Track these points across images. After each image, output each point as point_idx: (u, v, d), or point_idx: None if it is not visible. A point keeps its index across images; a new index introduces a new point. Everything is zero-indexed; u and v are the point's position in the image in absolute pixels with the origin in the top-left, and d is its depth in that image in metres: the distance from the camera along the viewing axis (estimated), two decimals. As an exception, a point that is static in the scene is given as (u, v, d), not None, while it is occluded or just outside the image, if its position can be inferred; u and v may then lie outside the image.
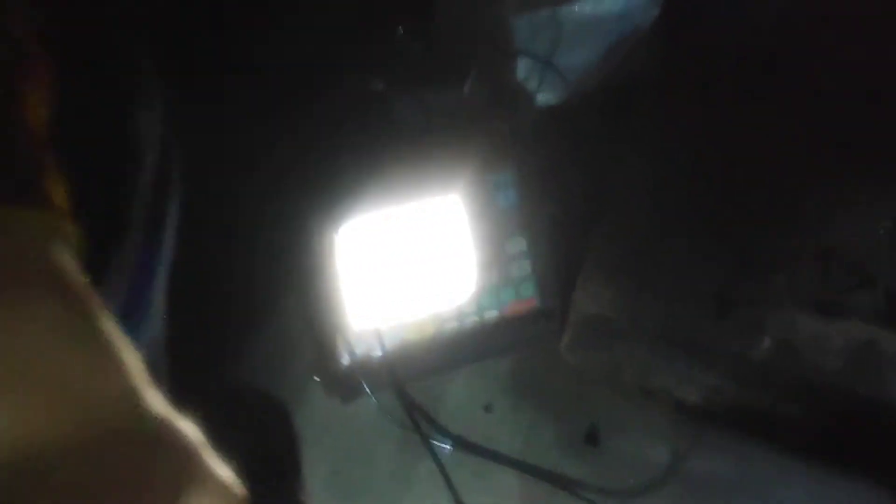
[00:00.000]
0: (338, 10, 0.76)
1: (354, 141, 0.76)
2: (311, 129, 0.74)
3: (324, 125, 0.75)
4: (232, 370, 0.78)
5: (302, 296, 0.78)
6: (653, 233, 0.79)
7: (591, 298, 0.80)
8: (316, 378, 0.79)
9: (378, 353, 0.80)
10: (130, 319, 0.35)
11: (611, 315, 0.79)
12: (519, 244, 0.84)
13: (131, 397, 0.19)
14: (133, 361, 0.20)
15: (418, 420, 0.79)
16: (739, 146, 0.84)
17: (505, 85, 0.89)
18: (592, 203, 0.84)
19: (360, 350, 0.80)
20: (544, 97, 0.92)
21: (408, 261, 0.81)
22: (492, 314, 0.85)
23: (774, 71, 0.83)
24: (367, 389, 0.80)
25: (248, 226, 0.74)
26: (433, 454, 0.77)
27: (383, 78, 0.78)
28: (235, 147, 0.70)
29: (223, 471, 0.22)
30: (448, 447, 0.84)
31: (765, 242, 0.81)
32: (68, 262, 0.20)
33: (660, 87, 0.88)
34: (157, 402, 0.20)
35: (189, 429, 0.21)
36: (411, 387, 0.83)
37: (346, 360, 0.80)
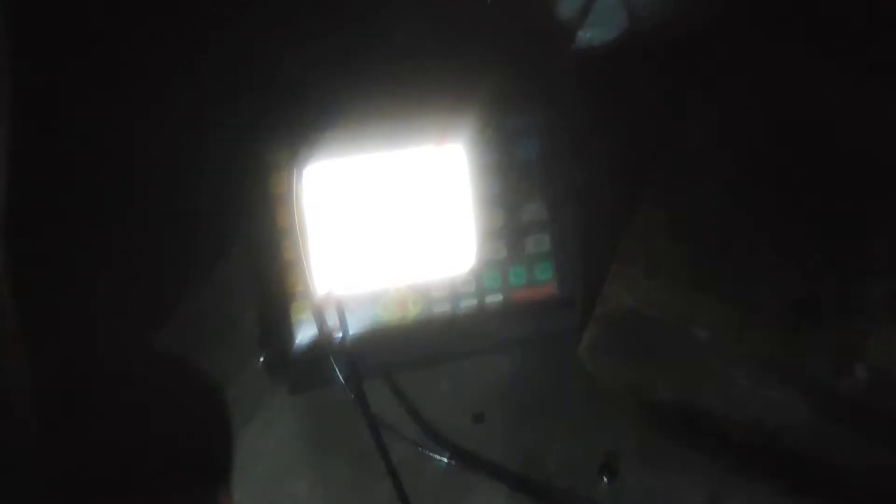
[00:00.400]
0: None
1: (330, 50, 0.57)
2: (270, 19, 0.55)
3: (289, 18, 0.56)
4: (156, 336, 0.60)
5: (250, 249, 0.60)
6: (719, 215, 0.59)
7: (627, 289, 0.60)
8: (260, 359, 0.61)
9: (340, 333, 0.62)
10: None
11: (652, 313, 0.59)
12: (537, 212, 0.65)
13: None
14: None
15: (379, 427, 0.60)
16: (845, 117, 0.63)
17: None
18: (640, 169, 0.64)
19: (317, 327, 0.62)
20: (594, 32, 0.71)
21: (390, 220, 0.62)
22: (495, 299, 0.65)
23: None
24: (321, 380, 0.62)
25: (179, 151, 0.56)
26: (393, 471, 0.59)
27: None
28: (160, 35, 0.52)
29: None
30: (445, 459, 0.65)
31: (866, 240, 0.61)
32: None
33: (747, 33, 0.67)
34: None
35: None
36: (380, 384, 0.65)
37: (298, 338, 0.62)
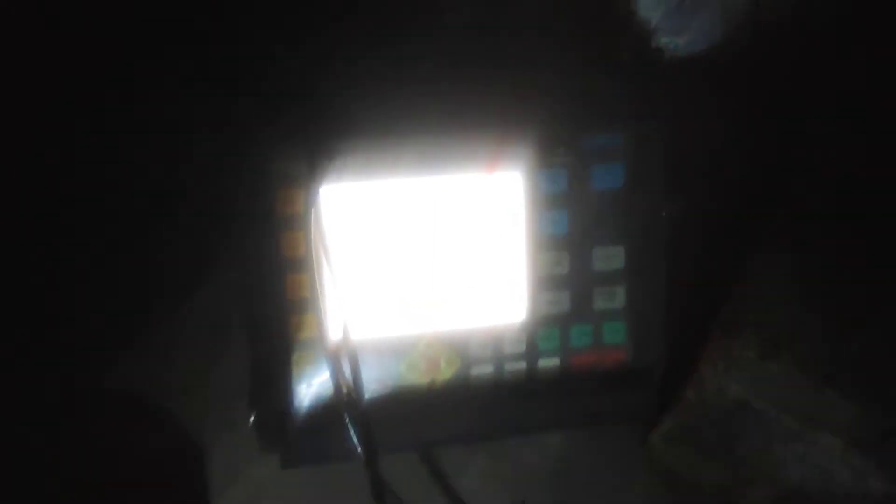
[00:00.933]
0: None
1: (358, 42, 0.45)
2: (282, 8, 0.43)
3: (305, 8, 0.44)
4: (131, 380, 0.49)
5: (246, 282, 0.48)
6: (868, 284, 0.44)
7: (733, 372, 0.46)
8: (250, 418, 0.49)
9: (354, 395, 0.49)
10: None
11: (765, 408, 0.45)
12: (612, 257, 0.51)
13: None
14: None
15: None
16: None
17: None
18: (757, 208, 0.49)
19: (325, 385, 0.49)
20: (691, 34, 0.57)
21: (424, 258, 0.49)
22: (550, 363, 0.52)
23: None
24: (323, 453, 0.49)
25: (162, 159, 0.44)
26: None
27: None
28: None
29: None
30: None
31: None
32: None
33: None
34: None
35: None
36: (400, 460, 0.52)
37: (298, 397, 0.49)
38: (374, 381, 0.50)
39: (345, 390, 0.50)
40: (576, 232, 0.50)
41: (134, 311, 0.46)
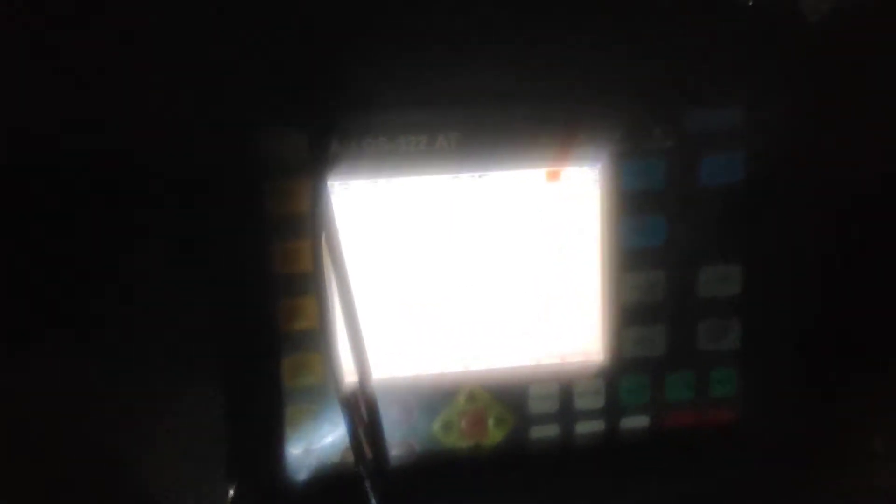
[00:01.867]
0: None
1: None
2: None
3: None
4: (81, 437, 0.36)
5: (231, 305, 0.35)
6: None
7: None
8: (229, 495, 0.36)
9: (375, 463, 0.36)
10: None
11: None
12: (727, 280, 0.37)
13: None
14: None
15: None
16: None
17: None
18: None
19: (329, 450, 0.36)
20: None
21: (466, 281, 0.36)
22: (636, 423, 0.38)
23: None
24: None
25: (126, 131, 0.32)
26: None
27: None
28: None
29: None
30: None
31: None
32: None
33: None
34: None
35: None
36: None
37: (294, 467, 0.37)
38: (396, 445, 0.37)
39: (360, 455, 0.37)
40: (676, 245, 0.37)
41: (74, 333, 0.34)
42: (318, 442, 0.37)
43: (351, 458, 0.36)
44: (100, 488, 0.34)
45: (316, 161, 0.34)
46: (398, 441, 0.37)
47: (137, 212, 0.33)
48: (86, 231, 0.32)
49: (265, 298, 0.35)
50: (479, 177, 0.35)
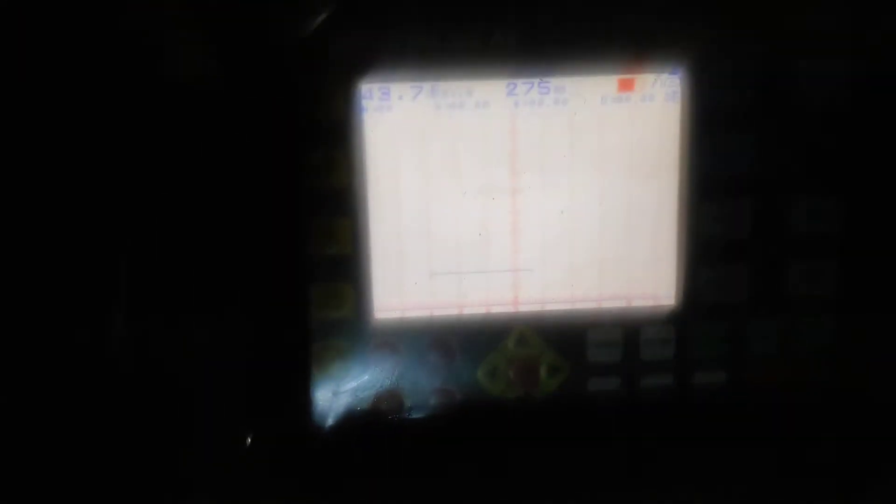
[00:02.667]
0: None
1: None
2: None
3: None
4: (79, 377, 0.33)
5: (255, 223, 0.31)
6: None
7: None
8: (247, 441, 0.32)
9: (402, 409, 0.32)
10: None
11: None
12: (825, 214, 0.32)
13: None
14: None
15: None
16: None
17: None
18: None
19: (364, 390, 0.32)
20: None
21: (516, 206, 0.32)
22: (712, 379, 0.33)
23: None
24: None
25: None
26: None
27: None
28: None
29: None
30: None
31: None
32: None
33: None
34: None
35: None
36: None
37: (320, 412, 0.32)
38: (435, 392, 0.33)
39: (393, 402, 0.32)
40: (766, 170, 0.31)
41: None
42: (346, 385, 0.32)
43: (383, 405, 0.32)
44: (108, 424, 0.31)
45: (349, 59, 0.30)
46: (437, 388, 0.32)
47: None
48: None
49: (292, 218, 0.31)
50: (540, 83, 0.31)
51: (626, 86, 0.31)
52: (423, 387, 0.32)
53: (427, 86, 0.31)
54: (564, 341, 0.32)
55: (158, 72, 0.29)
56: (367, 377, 0.32)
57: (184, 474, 0.31)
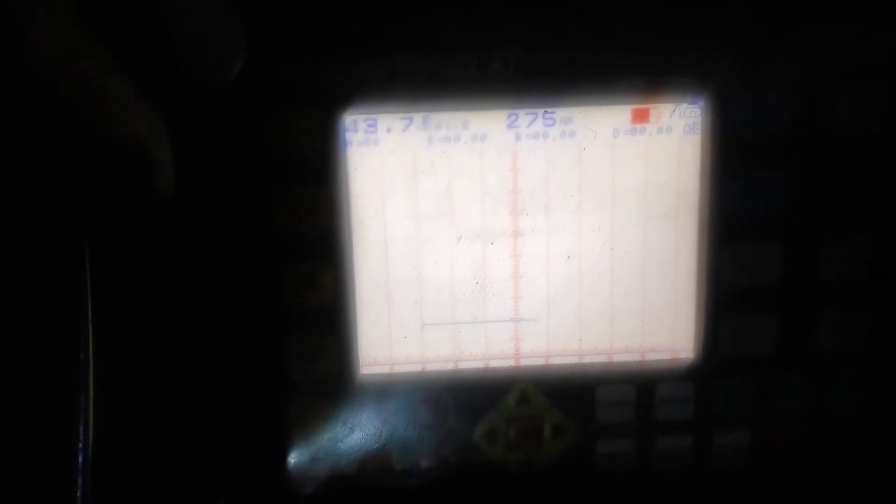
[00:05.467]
0: None
1: None
2: None
3: None
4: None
5: (224, 272, 0.28)
6: None
7: None
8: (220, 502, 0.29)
9: (400, 477, 0.29)
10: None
11: None
12: (854, 257, 0.29)
13: None
14: None
15: None
16: None
17: None
18: None
19: (348, 454, 0.29)
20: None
21: (521, 249, 0.28)
22: (735, 439, 0.30)
23: None
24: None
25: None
26: None
27: None
28: None
29: None
30: None
31: None
32: None
33: None
34: None
35: None
36: None
37: (304, 472, 0.29)
38: (428, 455, 0.29)
39: (381, 467, 0.29)
40: (797, 209, 0.28)
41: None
42: (328, 448, 0.29)
43: (370, 470, 0.29)
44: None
45: (332, 87, 0.27)
46: (430, 450, 0.29)
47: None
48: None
49: (268, 265, 0.28)
50: (544, 114, 0.27)
51: (640, 116, 0.28)
52: (414, 449, 0.29)
53: (418, 117, 0.27)
54: (570, 399, 0.29)
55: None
56: (351, 439, 0.29)
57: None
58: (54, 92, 0.19)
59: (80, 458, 0.23)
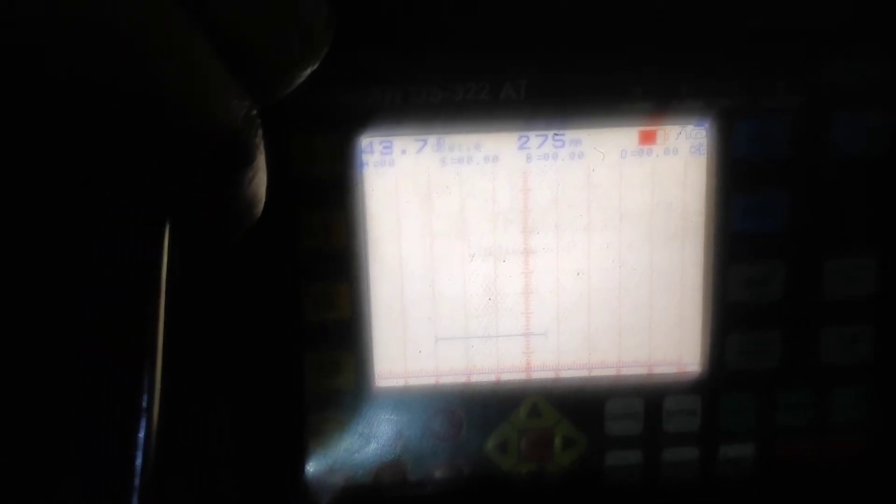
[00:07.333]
0: None
1: None
2: None
3: None
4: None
5: (243, 292, 0.29)
6: None
7: None
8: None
9: (413, 487, 0.30)
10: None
11: None
12: (858, 276, 0.29)
13: None
14: None
15: None
16: None
17: None
18: None
19: (364, 465, 0.30)
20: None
21: (531, 268, 0.29)
22: (741, 451, 0.30)
23: None
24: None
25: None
26: None
27: None
28: None
29: None
30: None
31: None
32: None
33: None
34: None
35: None
36: None
37: (321, 483, 0.30)
38: (440, 467, 0.30)
39: (397, 478, 0.30)
40: (800, 229, 0.29)
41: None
42: (345, 459, 0.30)
43: (385, 481, 0.30)
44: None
45: (349, 112, 0.28)
46: (443, 461, 0.30)
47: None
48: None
49: (287, 283, 0.29)
50: (554, 136, 0.28)
51: (647, 138, 0.29)
52: (427, 460, 0.30)
53: (432, 139, 0.28)
54: (580, 412, 0.30)
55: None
56: (367, 451, 0.30)
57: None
58: (159, 75, 0.16)
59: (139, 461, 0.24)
